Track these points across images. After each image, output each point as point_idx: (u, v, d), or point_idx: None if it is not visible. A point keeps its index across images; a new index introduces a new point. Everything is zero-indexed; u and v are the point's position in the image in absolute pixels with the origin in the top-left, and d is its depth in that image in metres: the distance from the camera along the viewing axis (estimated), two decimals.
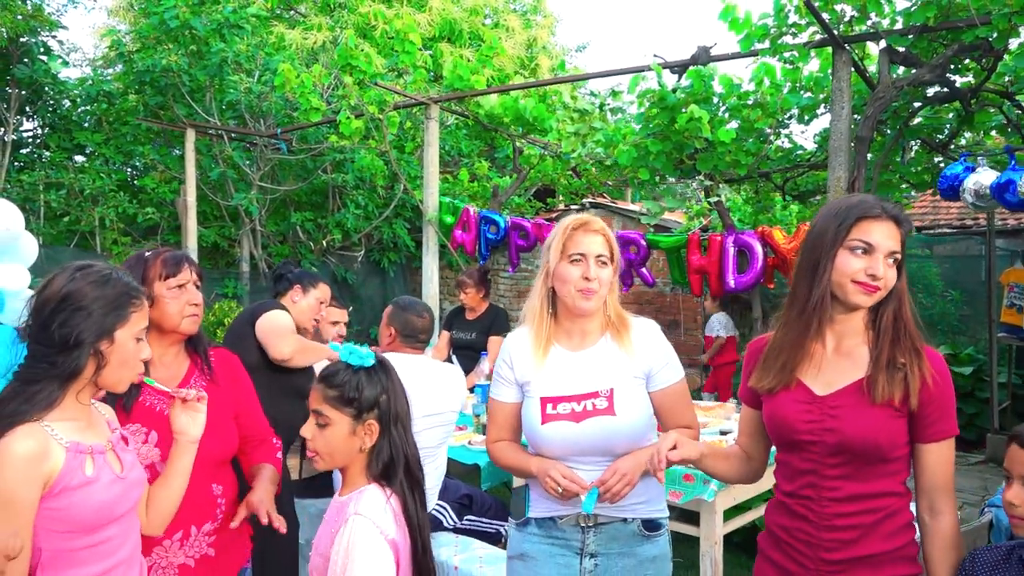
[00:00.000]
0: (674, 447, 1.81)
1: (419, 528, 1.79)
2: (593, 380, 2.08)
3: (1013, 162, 3.78)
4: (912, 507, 1.77)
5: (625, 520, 2.09)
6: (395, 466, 1.78)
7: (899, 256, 1.70)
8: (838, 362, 1.77)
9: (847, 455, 1.71)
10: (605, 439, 2.04)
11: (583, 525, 2.09)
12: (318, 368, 2.99)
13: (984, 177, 3.85)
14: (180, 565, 2.03)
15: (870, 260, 1.68)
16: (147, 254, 2.14)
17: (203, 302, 2.17)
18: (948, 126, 5.42)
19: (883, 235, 1.68)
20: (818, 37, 4.63)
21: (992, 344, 6.67)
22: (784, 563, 1.80)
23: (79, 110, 9.62)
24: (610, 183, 8.93)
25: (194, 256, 7.94)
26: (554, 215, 10.16)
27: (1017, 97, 4.86)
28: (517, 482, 2.87)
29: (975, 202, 3.93)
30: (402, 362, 2.73)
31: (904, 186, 6.12)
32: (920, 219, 12.87)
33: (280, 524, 2.02)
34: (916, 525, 1.76)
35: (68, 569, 1.55)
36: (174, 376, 2.12)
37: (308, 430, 1.79)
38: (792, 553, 1.78)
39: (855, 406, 1.71)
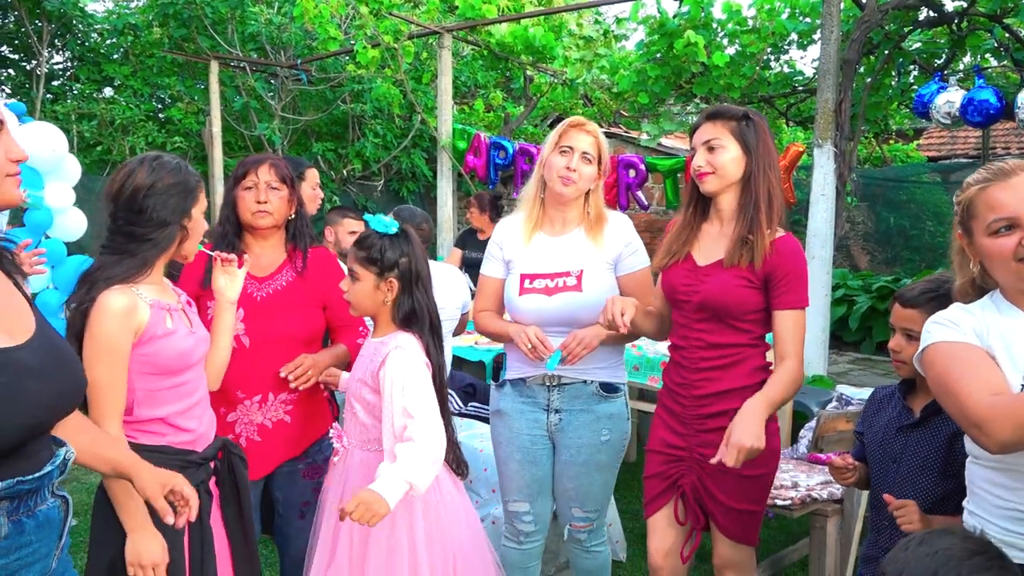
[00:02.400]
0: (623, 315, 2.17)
1: (439, 368, 2.18)
2: (566, 261, 2.43)
3: (981, 81, 3.99)
4: (768, 355, 2.19)
5: (585, 382, 2.45)
6: (418, 317, 2.15)
7: (715, 144, 2.12)
8: (719, 240, 2.20)
9: (706, 312, 2.15)
10: (571, 312, 2.39)
11: (549, 385, 2.46)
12: None
13: (953, 96, 4.07)
14: (259, 424, 2.41)
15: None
16: (249, 160, 2.47)
17: (287, 200, 2.45)
18: (944, 53, 5.58)
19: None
20: None
21: None
22: (670, 404, 2.27)
23: (107, 43, 9.91)
24: (625, 113, 9.13)
25: (220, 184, 8.31)
26: None
27: (1006, 20, 5.01)
28: None
29: (943, 121, 4.15)
30: None
31: (902, 108, 6.30)
32: (937, 149, 12.94)
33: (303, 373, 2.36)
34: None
35: (157, 406, 1.91)
36: (267, 266, 2.47)
37: (345, 283, 2.19)
38: (675, 396, 2.24)
39: (717, 273, 2.15)
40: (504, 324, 2.51)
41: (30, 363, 1.34)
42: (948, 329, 1.52)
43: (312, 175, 3.51)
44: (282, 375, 2.35)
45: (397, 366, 2.06)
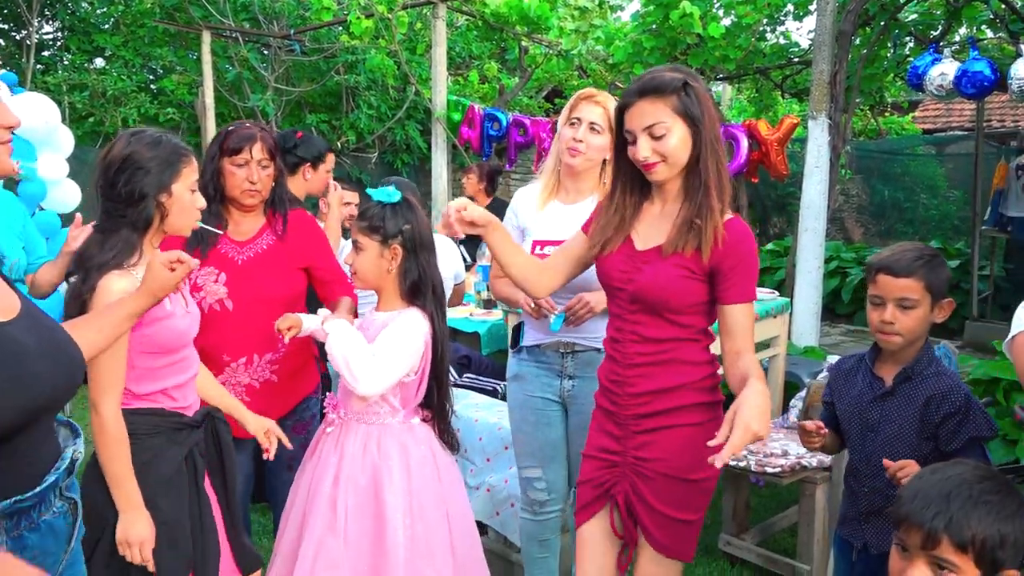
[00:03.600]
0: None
1: (441, 338, 2.22)
2: (577, 229, 2.44)
3: (975, 53, 3.99)
4: (710, 349, 1.99)
5: (598, 350, 2.45)
6: (423, 286, 2.19)
7: (659, 130, 1.82)
8: (660, 222, 1.94)
9: (641, 303, 1.91)
10: (582, 278, 2.35)
11: (563, 352, 2.51)
12: None
13: (947, 68, 4.07)
14: (247, 385, 2.49)
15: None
16: (229, 128, 2.46)
17: (274, 175, 2.48)
18: (941, 24, 5.56)
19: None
20: None
21: (975, 238, 6.98)
22: (606, 404, 2.04)
23: (97, 13, 9.80)
24: (621, 85, 9.10)
25: None
26: None
27: None
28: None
29: (937, 92, 4.15)
30: None
31: (897, 80, 6.30)
32: (933, 122, 12.91)
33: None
34: (719, 363, 1.96)
35: (154, 381, 1.94)
36: (247, 231, 2.51)
37: (350, 256, 2.21)
38: (610, 395, 2.01)
39: (655, 261, 1.90)
40: (516, 291, 2.52)
41: (23, 340, 1.32)
42: None
43: (331, 159, 3.55)
44: (277, 326, 2.35)
45: (399, 324, 2.13)
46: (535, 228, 2.53)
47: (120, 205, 1.86)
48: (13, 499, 1.29)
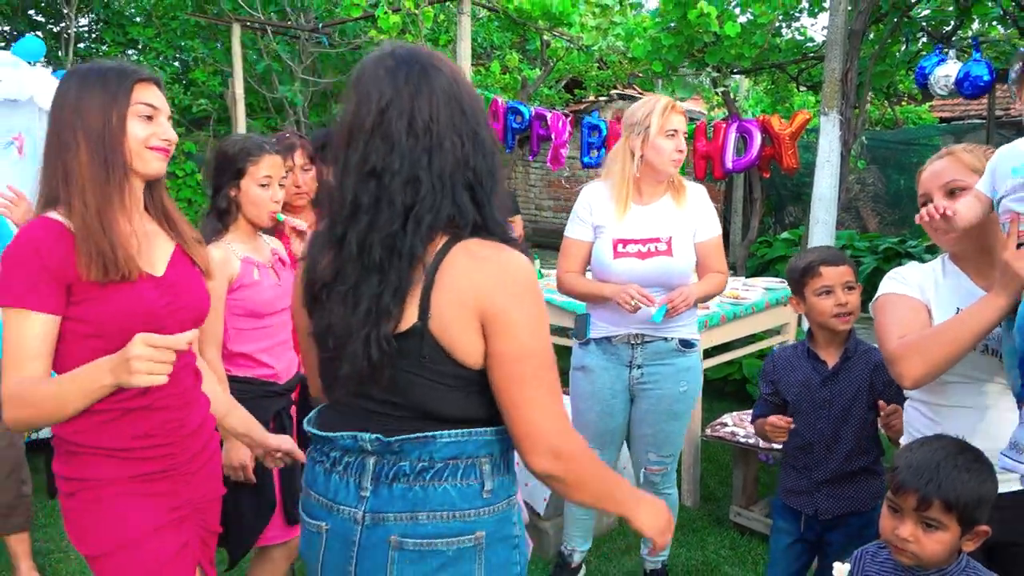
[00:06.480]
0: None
1: None
2: (656, 228, 2.67)
3: (977, 54, 4.17)
4: None
5: (666, 339, 2.71)
6: None
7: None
8: None
9: None
10: (663, 274, 2.64)
11: (633, 343, 2.71)
12: None
13: (951, 68, 4.25)
14: None
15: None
16: (272, 139, 2.67)
17: (316, 176, 2.75)
18: (952, 20, 5.71)
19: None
20: None
21: None
22: None
23: (130, 7, 10.08)
24: (639, 74, 9.27)
25: None
26: (582, 106, 10.53)
27: None
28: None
29: (940, 92, 4.34)
30: None
31: (909, 74, 6.44)
32: (951, 110, 12.97)
33: None
34: None
35: (243, 343, 2.27)
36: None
37: None
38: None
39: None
40: (597, 284, 2.70)
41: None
42: (895, 282, 1.84)
43: None
44: None
45: None
46: (613, 227, 2.67)
47: (211, 195, 2.26)
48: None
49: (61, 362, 1.53)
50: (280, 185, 2.33)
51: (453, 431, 1.31)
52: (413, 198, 1.27)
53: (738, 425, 3.57)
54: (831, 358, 2.31)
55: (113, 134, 1.54)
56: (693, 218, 2.71)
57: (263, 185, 2.27)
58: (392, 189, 1.27)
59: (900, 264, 2.02)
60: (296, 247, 2.45)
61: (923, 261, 2.09)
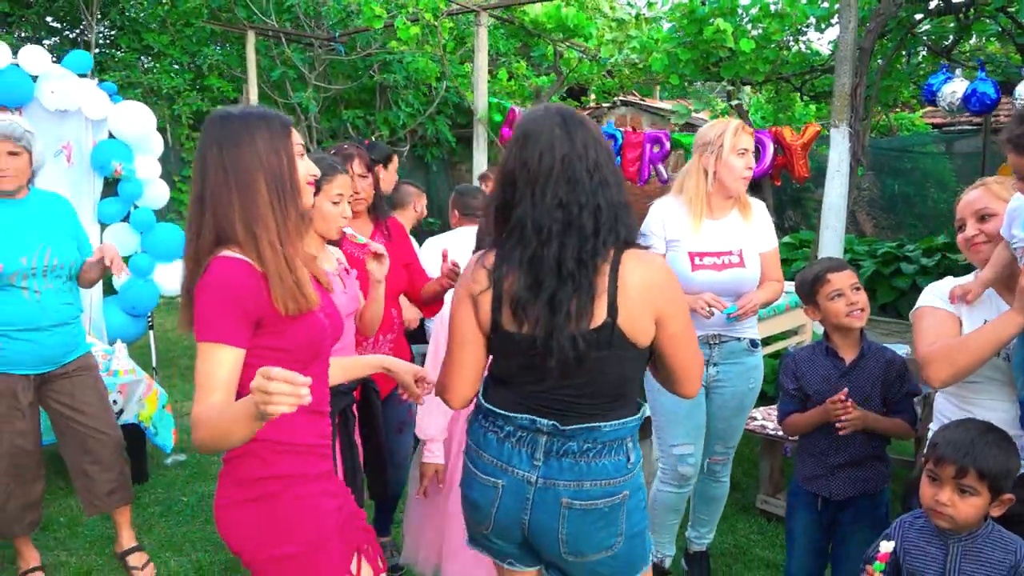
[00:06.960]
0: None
1: None
2: (728, 242, 2.90)
3: (982, 73, 4.45)
4: None
5: (739, 339, 2.96)
6: None
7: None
8: None
9: None
10: (736, 284, 2.87)
11: (711, 343, 2.93)
12: None
13: (957, 86, 4.53)
14: None
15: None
16: (332, 151, 2.91)
17: (373, 184, 3.00)
18: (952, 36, 6.02)
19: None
20: None
21: None
22: None
23: (143, 13, 10.26)
24: (640, 82, 9.55)
25: None
26: (586, 112, 10.80)
27: (1009, 9, 5.44)
28: None
29: (948, 108, 4.62)
30: (467, 232, 3.70)
31: (910, 85, 6.75)
32: (943, 117, 13.27)
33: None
34: None
35: None
36: (362, 235, 2.94)
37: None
38: None
39: None
40: None
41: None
42: (933, 296, 2.17)
43: (396, 159, 4.06)
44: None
45: None
46: (689, 241, 2.87)
47: None
48: None
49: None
50: (348, 201, 2.52)
51: (614, 422, 1.74)
52: (597, 223, 1.67)
53: (767, 419, 3.83)
54: (848, 355, 2.57)
55: (290, 174, 1.67)
56: (757, 231, 2.96)
57: (335, 202, 2.47)
58: (581, 217, 1.66)
59: (898, 267, 2.30)
60: (373, 268, 2.61)
61: (921, 265, 2.37)
